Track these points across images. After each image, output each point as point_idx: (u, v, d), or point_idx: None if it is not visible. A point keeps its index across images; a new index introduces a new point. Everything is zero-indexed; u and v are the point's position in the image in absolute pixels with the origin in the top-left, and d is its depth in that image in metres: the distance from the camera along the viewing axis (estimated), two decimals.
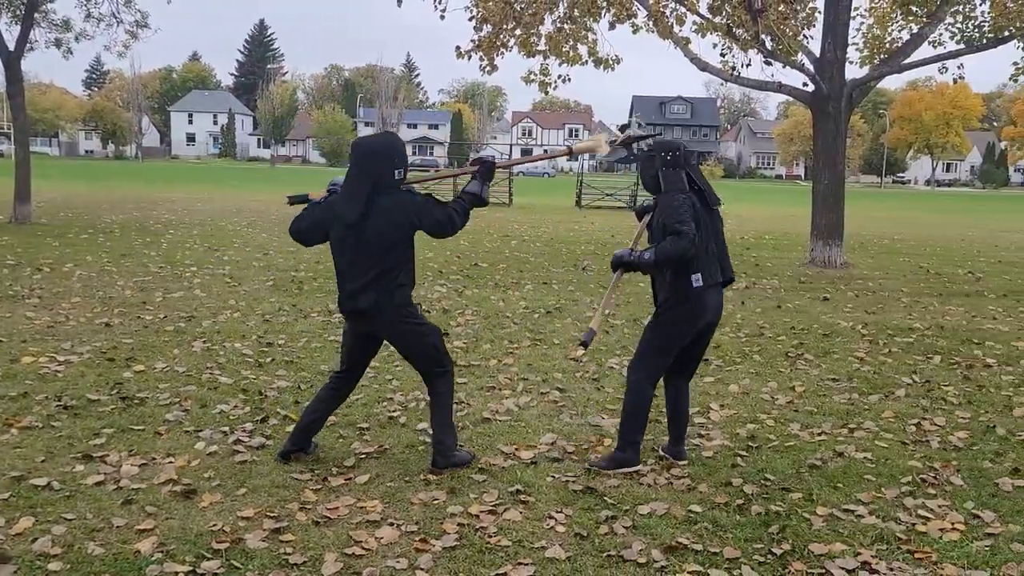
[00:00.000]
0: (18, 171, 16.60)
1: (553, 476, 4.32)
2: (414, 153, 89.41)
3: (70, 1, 19.09)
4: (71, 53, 18.75)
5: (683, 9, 13.54)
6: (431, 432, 4.50)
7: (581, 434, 5.02)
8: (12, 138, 22.04)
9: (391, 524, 3.71)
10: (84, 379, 5.76)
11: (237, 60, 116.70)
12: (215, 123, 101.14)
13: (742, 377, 6.42)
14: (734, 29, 12.99)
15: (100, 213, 19.56)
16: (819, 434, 5.10)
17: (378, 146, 4.26)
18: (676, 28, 13.35)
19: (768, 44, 13.08)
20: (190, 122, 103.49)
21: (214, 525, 3.64)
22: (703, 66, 13.84)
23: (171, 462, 4.34)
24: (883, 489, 4.25)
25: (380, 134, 4.57)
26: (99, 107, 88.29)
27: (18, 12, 17.06)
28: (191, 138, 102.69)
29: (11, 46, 16.46)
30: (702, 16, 13.73)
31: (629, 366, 4.57)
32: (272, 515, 3.75)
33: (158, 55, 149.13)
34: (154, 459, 4.39)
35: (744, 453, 4.74)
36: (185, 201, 24.79)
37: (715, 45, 14.02)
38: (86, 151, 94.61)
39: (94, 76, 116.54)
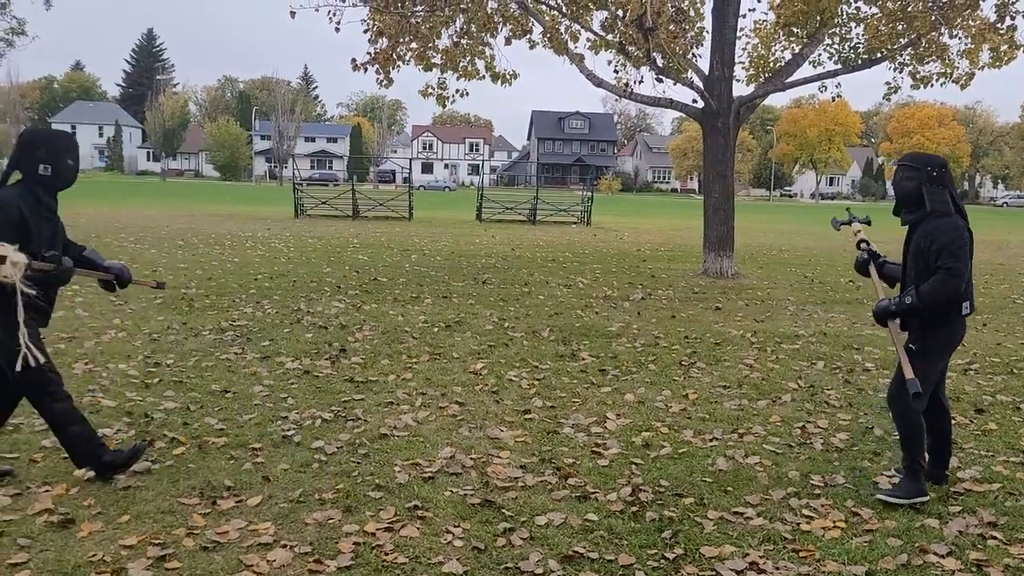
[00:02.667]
0: None
1: (451, 490, 4.30)
2: (313, 167, 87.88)
3: None
4: None
5: (577, 26, 13.82)
6: None
7: (480, 447, 5.01)
8: None
9: (284, 546, 3.61)
10: None
11: (124, 70, 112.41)
12: (101, 135, 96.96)
13: (638, 386, 6.55)
14: (626, 47, 13.32)
15: None
16: (711, 440, 5.26)
17: (25, 138, 4.24)
18: (571, 44, 13.62)
19: (659, 62, 13.47)
20: (73, 134, 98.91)
21: (94, 555, 3.47)
22: (598, 82, 14.14)
23: (47, 491, 4.11)
24: (770, 491, 4.41)
25: (48, 129, 4.51)
26: None
27: None
28: None
29: None
30: (596, 33, 14.04)
31: (891, 395, 4.40)
32: (157, 542, 3.60)
33: (39, 64, 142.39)
34: (29, 488, 4.15)
35: (639, 461, 4.83)
36: (66, 217, 23.53)
37: (609, 62, 14.42)
38: None
39: None
